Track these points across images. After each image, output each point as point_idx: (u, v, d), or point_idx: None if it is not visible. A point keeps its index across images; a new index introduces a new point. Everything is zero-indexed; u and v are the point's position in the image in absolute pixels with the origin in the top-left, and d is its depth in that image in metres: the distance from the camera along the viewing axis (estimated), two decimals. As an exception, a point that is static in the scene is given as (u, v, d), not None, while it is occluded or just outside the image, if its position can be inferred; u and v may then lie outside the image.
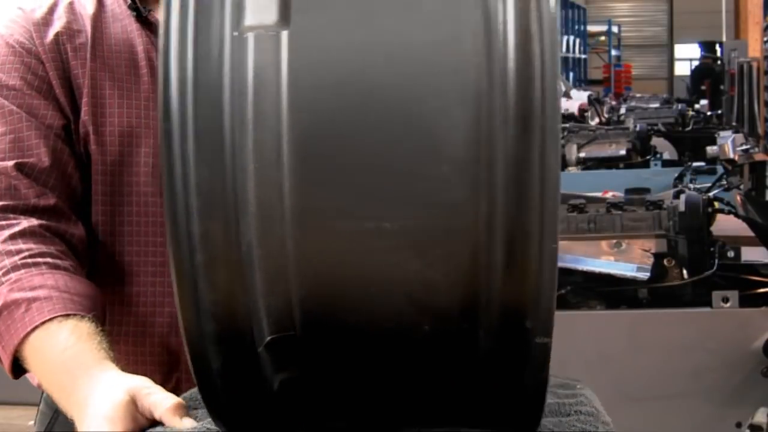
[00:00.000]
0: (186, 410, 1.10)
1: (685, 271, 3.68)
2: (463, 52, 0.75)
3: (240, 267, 0.84)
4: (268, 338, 0.86)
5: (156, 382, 1.19)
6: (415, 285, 0.81)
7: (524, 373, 0.84)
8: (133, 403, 1.14)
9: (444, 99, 0.75)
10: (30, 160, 1.42)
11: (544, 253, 0.77)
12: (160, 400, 1.12)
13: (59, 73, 1.46)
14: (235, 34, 0.81)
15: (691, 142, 8.01)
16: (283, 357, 0.88)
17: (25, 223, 1.38)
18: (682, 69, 22.97)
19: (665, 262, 3.67)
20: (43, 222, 1.40)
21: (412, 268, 0.80)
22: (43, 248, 1.37)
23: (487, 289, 0.80)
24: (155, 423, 1.11)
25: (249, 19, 0.81)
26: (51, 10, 1.50)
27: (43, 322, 1.29)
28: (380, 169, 0.79)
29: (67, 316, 1.30)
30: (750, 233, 3.95)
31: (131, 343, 1.50)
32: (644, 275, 3.58)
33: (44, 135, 1.44)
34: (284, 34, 0.80)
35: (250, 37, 0.81)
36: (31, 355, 1.30)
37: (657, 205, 4.00)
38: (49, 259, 1.36)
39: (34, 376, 1.38)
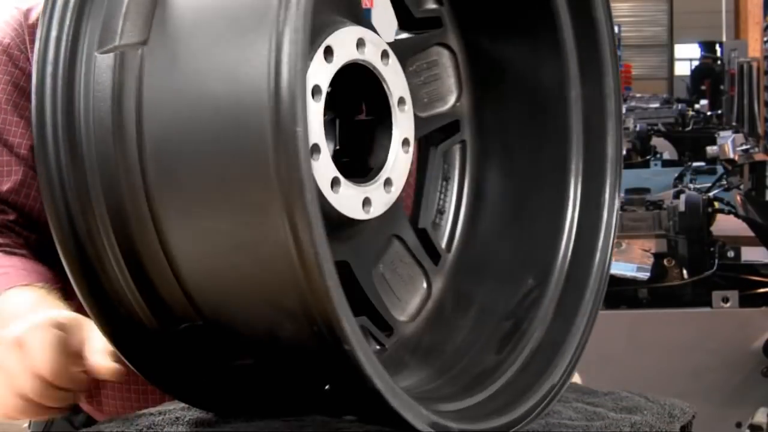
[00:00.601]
0: (115, 357, 1.06)
1: (685, 271, 3.68)
2: (257, 74, 0.81)
3: (122, 262, 0.92)
4: (174, 329, 0.94)
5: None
6: (262, 285, 0.86)
7: (350, 378, 0.86)
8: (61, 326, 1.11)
9: (248, 114, 0.81)
10: None
11: (318, 261, 0.80)
12: (93, 338, 1.09)
13: None
14: (97, 54, 0.92)
15: (691, 142, 8.02)
16: (187, 343, 0.95)
17: None
18: (682, 69, 22.98)
19: (665, 262, 3.67)
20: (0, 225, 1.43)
21: (252, 269, 0.85)
22: None
23: (309, 295, 0.83)
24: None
25: (116, 40, 0.91)
26: None
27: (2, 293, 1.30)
28: (212, 175, 0.84)
29: (25, 285, 1.31)
30: (750, 233, 3.95)
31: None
32: (644, 275, 3.59)
33: (6, 161, 1.44)
34: (140, 54, 0.89)
35: (111, 56, 0.91)
36: None
37: (657, 205, 4.01)
38: (6, 248, 1.40)
39: None
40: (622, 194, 4.26)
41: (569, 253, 1.22)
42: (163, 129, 0.87)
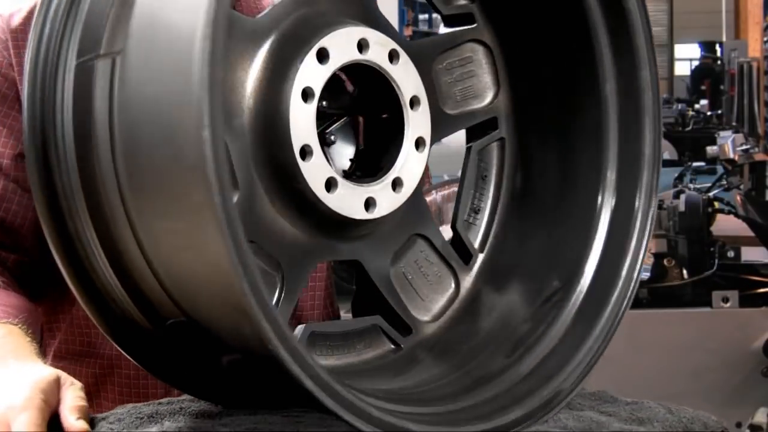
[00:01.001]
0: (86, 414, 1.06)
1: (685, 271, 3.68)
2: (190, 81, 0.84)
3: (107, 262, 0.95)
4: (162, 325, 0.97)
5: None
6: (214, 285, 0.86)
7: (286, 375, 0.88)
8: (43, 391, 1.07)
9: (188, 118, 0.83)
10: None
11: (232, 262, 0.81)
12: (67, 397, 1.07)
13: None
14: (77, 63, 0.96)
15: (691, 142, 8.02)
16: (177, 338, 0.98)
17: None
18: (682, 69, 22.94)
19: (665, 262, 3.67)
20: None
21: (203, 268, 0.86)
22: None
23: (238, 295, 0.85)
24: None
25: (96, 50, 0.95)
26: (31, 15, 1.38)
27: None
28: (166, 177, 0.87)
29: None
30: (750, 233, 3.95)
31: (126, 373, 1.51)
32: (644, 275, 3.59)
33: None
34: (112, 64, 0.92)
35: (90, 65, 0.94)
36: None
37: (657, 205, 3.99)
38: None
39: None
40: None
41: (598, 256, 1.19)
42: (130, 133, 0.90)
